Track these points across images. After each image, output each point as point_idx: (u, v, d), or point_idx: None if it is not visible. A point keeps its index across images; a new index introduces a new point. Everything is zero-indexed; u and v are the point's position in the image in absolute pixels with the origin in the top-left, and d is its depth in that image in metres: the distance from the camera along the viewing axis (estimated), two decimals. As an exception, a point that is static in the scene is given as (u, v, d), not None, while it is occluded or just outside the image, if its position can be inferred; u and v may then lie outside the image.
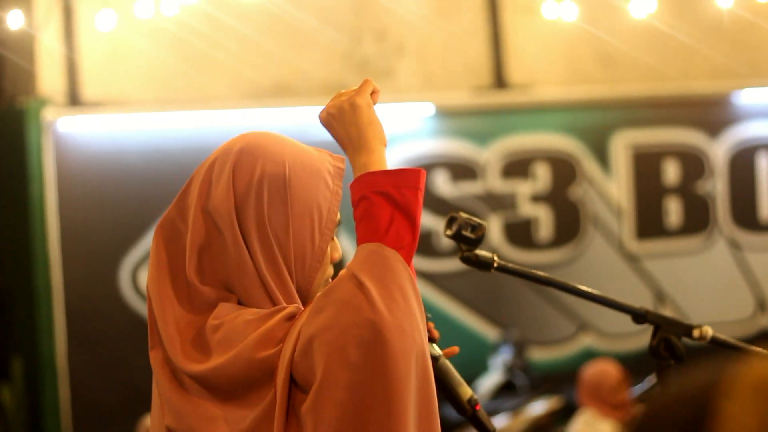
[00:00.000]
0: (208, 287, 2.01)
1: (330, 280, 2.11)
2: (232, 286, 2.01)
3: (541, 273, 2.55)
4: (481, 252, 2.44)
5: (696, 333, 2.58)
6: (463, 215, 2.42)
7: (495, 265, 2.46)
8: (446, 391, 2.25)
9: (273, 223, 2.01)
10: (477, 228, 2.43)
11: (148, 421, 5.88)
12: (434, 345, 2.24)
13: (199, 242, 2.02)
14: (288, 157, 2.05)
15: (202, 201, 2.04)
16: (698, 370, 1.04)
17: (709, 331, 2.58)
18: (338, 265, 2.18)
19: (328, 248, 2.08)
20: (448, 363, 2.26)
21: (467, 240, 2.44)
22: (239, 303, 2.01)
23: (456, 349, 2.28)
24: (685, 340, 2.58)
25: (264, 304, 2.00)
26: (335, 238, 2.12)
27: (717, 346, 2.60)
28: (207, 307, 2.00)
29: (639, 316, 2.59)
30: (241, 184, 2.02)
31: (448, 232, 2.43)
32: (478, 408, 2.26)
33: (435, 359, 2.22)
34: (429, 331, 2.20)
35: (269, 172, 2.02)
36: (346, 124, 2.10)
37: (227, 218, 2.01)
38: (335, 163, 2.10)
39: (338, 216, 2.09)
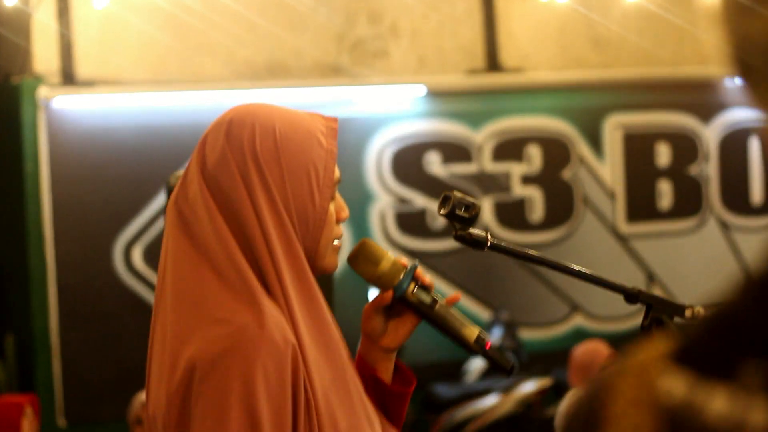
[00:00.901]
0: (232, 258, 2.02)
1: (338, 241, 2.12)
2: (245, 247, 2.02)
3: (533, 252, 2.55)
4: (474, 231, 2.44)
5: (688, 313, 2.57)
6: (458, 194, 2.40)
7: (488, 243, 2.46)
8: (450, 335, 2.23)
9: (273, 185, 2.03)
10: (471, 207, 2.41)
11: (141, 397, 5.90)
12: (429, 291, 2.22)
13: (210, 216, 2.03)
14: (277, 119, 2.06)
15: (202, 174, 2.05)
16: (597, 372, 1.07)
17: (701, 312, 2.58)
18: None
19: (331, 207, 2.09)
20: (446, 307, 2.22)
21: (461, 219, 2.42)
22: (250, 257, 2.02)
23: (458, 296, 2.27)
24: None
25: (268, 267, 2.00)
26: (339, 197, 2.13)
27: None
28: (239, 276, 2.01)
29: (631, 296, 2.57)
30: (237, 152, 2.03)
31: (443, 211, 2.41)
32: (488, 346, 2.23)
33: (430, 306, 2.20)
34: (419, 278, 2.21)
35: (260, 135, 2.04)
36: None
37: (232, 187, 2.02)
38: (328, 123, 2.11)
39: (337, 174, 2.10)
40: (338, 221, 2.12)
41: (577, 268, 2.54)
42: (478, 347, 2.22)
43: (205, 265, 2.00)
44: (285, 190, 2.03)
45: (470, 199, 2.41)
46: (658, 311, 2.55)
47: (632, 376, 0.97)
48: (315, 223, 2.05)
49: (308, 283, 2.03)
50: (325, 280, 4.15)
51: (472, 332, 2.23)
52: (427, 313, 2.21)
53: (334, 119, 2.12)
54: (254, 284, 1.98)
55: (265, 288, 1.99)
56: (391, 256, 2.21)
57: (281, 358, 1.93)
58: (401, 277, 2.19)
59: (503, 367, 2.24)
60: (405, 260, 2.22)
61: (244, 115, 2.07)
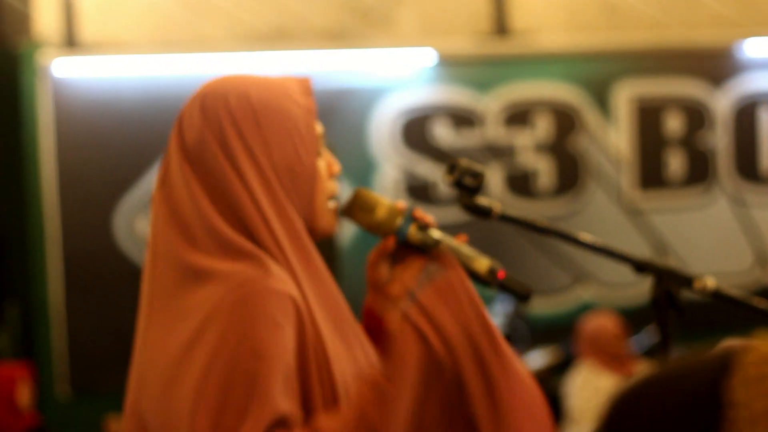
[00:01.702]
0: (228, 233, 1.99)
1: (333, 202, 2.09)
2: (237, 219, 1.99)
3: (540, 221, 2.51)
4: (481, 200, 2.41)
5: (697, 284, 2.54)
6: (464, 162, 2.38)
7: (494, 213, 2.43)
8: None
9: (257, 150, 2.01)
10: (477, 175, 2.39)
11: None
12: (428, 231, 2.16)
13: (191, 195, 2.00)
14: (250, 85, 2.06)
15: (182, 152, 2.04)
16: (694, 352, 1.03)
17: (710, 283, 2.54)
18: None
19: (320, 163, 2.07)
20: (451, 242, 2.17)
21: (467, 188, 2.41)
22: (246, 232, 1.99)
23: (464, 237, 2.21)
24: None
25: (263, 234, 1.97)
26: (327, 152, 2.11)
27: (718, 298, 2.55)
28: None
29: (640, 266, 2.55)
30: (215, 125, 2.02)
31: (449, 180, 2.39)
32: (502, 276, 2.16)
33: (435, 244, 2.15)
34: (419, 218, 2.16)
35: (235, 103, 2.03)
36: None
37: (214, 161, 2.00)
38: (301, 82, 2.10)
39: (319, 129, 2.08)
40: (331, 176, 2.10)
41: (584, 238, 2.51)
42: (491, 278, 2.16)
43: (191, 250, 1.97)
44: (270, 153, 2.01)
45: (476, 168, 2.39)
46: (667, 282, 2.51)
47: (754, 385, 0.91)
48: (306, 181, 2.04)
49: (305, 245, 2.02)
50: (329, 251, 4.10)
51: (482, 264, 2.17)
52: (433, 252, 2.16)
53: (307, 78, 2.11)
54: (248, 249, 1.95)
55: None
56: (386, 201, 2.16)
57: (289, 309, 1.91)
58: (400, 220, 2.15)
59: (521, 294, 2.19)
60: (402, 203, 2.17)
61: (216, 87, 2.06)
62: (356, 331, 2.07)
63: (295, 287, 1.96)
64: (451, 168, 2.38)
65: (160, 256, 2.03)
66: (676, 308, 2.50)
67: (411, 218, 2.16)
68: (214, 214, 1.98)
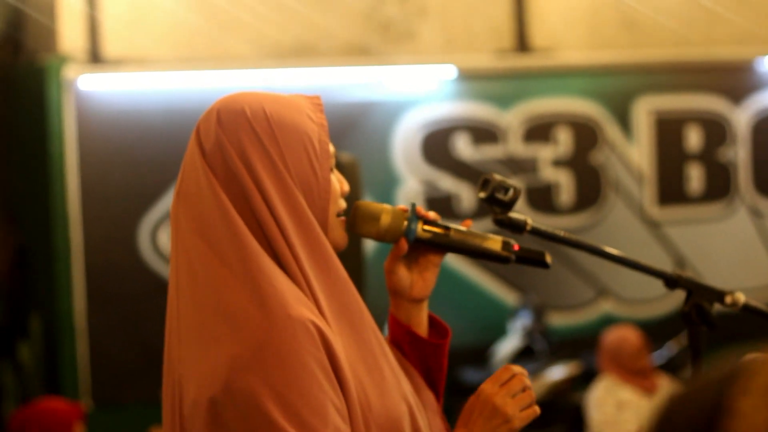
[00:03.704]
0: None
1: (340, 215, 2.12)
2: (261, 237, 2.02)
3: (573, 236, 2.52)
4: (514, 215, 2.42)
5: (728, 299, 2.56)
6: (497, 177, 2.39)
7: (528, 228, 2.44)
8: (476, 254, 2.22)
9: (277, 159, 2.04)
10: (510, 191, 2.40)
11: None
12: (436, 224, 2.20)
13: (219, 204, 2.03)
14: (264, 100, 2.09)
15: (205, 162, 2.06)
16: (716, 363, 1.04)
17: (741, 298, 2.56)
18: (350, 198, 2.17)
19: (332, 179, 2.10)
20: (460, 228, 2.21)
21: (500, 203, 2.41)
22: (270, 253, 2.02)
23: (469, 222, 2.26)
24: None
25: (280, 245, 2.00)
26: (336, 170, 2.13)
27: (748, 313, 2.57)
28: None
29: (671, 281, 2.56)
30: (232, 136, 2.05)
31: (482, 195, 2.40)
32: (517, 248, 2.22)
33: (446, 235, 2.19)
34: (423, 215, 2.19)
35: (252, 116, 2.06)
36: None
37: (233, 170, 2.03)
38: (312, 101, 2.13)
39: (331, 147, 2.10)
40: (341, 194, 2.13)
41: (615, 252, 2.52)
42: (508, 253, 2.21)
43: (217, 260, 2.00)
44: (287, 163, 2.04)
45: (509, 183, 2.40)
46: (698, 297, 2.52)
47: (760, 397, 0.92)
48: (320, 194, 2.06)
49: (324, 253, 2.04)
50: (355, 263, 4.10)
51: (496, 241, 2.22)
52: (446, 243, 2.20)
53: (317, 96, 2.15)
54: (267, 268, 1.98)
55: (281, 266, 1.99)
56: (388, 207, 2.20)
57: (313, 338, 1.93)
58: (406, 221, 2.18)
59: (540, 261, 2.25)
60: (402, 206, 2.21)
61: (231, 102, 2.09)
62: (379, 339, 2.08)
63: (312, 302, 1.98)
64: (484, 183, 2.39)
65: (184, 268, 2.05)
66: (708, 324, 2.51)
67: (416, 217, 2.19)
68: (240, 223, 2.00)
